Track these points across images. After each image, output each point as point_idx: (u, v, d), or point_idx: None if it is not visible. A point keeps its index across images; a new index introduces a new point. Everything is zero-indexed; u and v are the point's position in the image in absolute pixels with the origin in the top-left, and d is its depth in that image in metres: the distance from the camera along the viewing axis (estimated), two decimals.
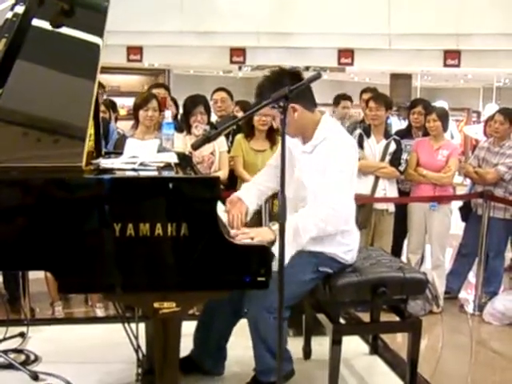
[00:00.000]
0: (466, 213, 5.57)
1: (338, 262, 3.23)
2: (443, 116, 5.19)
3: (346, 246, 3.22)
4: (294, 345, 3.81)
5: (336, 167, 2.99)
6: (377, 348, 4.01)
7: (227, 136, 5.12)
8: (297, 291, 3.09)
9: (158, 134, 4.46)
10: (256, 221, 4.86)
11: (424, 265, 5.59)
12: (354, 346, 3.97)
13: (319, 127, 3.10)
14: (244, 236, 2.78)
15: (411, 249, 5.32)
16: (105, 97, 6.06)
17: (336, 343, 3.22)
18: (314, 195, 3.03)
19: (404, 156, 5.13)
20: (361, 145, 5.12)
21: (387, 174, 5.09)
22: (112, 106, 6.24)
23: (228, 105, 5.59)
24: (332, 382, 3.24)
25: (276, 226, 2.65)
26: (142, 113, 4.64)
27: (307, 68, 11.93)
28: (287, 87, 2.45)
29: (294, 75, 3.00)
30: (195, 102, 4.84)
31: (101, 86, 5.62)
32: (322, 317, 3.43)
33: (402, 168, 5.13)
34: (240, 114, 5.37)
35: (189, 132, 4.80)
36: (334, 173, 2.98)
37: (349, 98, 6.81)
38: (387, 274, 3.30)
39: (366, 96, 5.93)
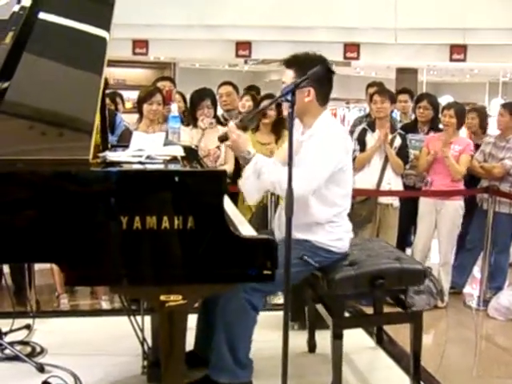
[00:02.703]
0: (471, 207, 5.54)
1: (328, 250, 3.22)
2: (460, 114, 5.19)
3: (335, 235, 3.24)
4: (299, 338, 3.83)
5: (314, 150, 3.07)
6: (381, 339, 4.02)
7: None
8: (277, 278, 2.72)
9: (162, 127, 4.47)
10: (262, 215, 4.89)
11: (429, 259, 5.59)
12: (358, 339, 3.99)
13: (319, 119, 3.21)
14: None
15: (419, 246, 5.30)
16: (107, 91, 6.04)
17: (337, 337, 3.21)
18: None
19: (411, 151, 5.17)
20: (363, 140, 5.12)
21: (396, 163, 5.05)
22: (120, 99, 6.24)
23: (233, 99, 5.58)
24: (336, 375, 3.24)
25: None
26: (146, 106, 4.65)
27: None
28: (293, 82, 2.52)
29: (329, 71, 3.17)
30: (202, 96, 4.85)
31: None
32: (323, 311, 3.44)
33: (408, 166, 5.18)
34: (249, 104, 5.36)
35: (195, 125, 4.80)
36: (311, 154, 3.06)
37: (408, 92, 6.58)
38: (385, 266, 3.30)
39: (371, 90, 5.92)
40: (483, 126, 5.94)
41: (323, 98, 3.22)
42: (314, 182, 3.04)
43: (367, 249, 3.53)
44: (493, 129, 6.68)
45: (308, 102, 3.15)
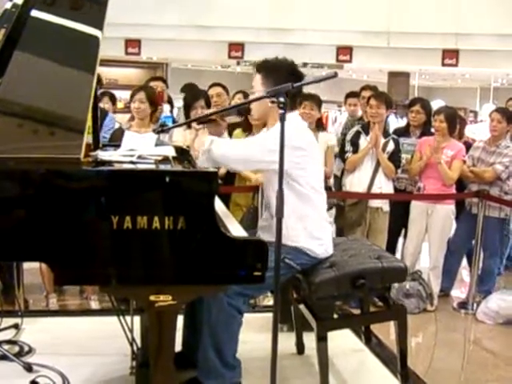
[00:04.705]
0: (458, 210, 5.54)
1: (307, 254, 3.18)
2: (451, 118, 5.18)
3: (318, 240, 3.20)
4: (288, 340, 3.83)
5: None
6: (370, 340, 4.02)
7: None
8: None
9: (154, 127, 4.46)
10: (252, 216, 4.88)
11: (419, 263, 5.60)
12: (347, 341, 4.00)
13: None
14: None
15: (410, 249, 5.30)
16: (101, 91, 6.03)
17: (321, 339, 3.21)
18: None
19: (403, 155, 5.18)
20: (356, 142, 5.12)
21: (388, 167, 5.05)
22: (112, 98, 6.24)
23: (223, 100, 5.59)
24: (323, 377, 3.24)
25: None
26: (131, 104, 4.68)
27: (305, 64, 11.93)
28: (291, 83, 2.50)
29: (296, 77, 3.05)
30: (196, 96, 4.85)
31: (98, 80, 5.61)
32: (307, 313, 3.42)
33: (400, 170, 5.18)
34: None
35: (189, 126, 4.79)
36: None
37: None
38: (365, 266, 3.29)
39: (366, 93, 5.91)
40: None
41: (290, 101, 2.99)
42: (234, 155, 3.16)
43: (348, 248, 3.51)
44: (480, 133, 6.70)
45: (272, 106, 2.99)
